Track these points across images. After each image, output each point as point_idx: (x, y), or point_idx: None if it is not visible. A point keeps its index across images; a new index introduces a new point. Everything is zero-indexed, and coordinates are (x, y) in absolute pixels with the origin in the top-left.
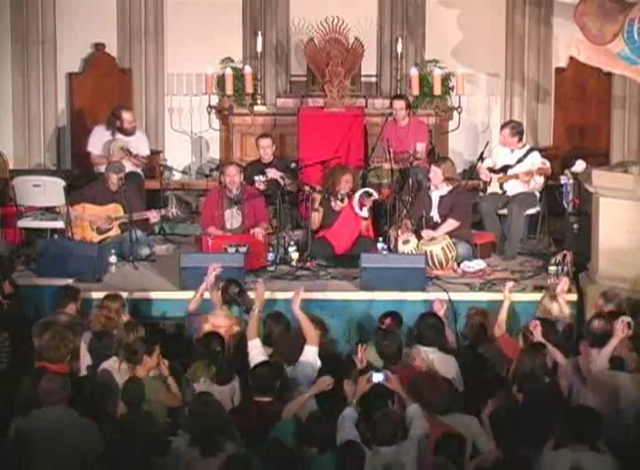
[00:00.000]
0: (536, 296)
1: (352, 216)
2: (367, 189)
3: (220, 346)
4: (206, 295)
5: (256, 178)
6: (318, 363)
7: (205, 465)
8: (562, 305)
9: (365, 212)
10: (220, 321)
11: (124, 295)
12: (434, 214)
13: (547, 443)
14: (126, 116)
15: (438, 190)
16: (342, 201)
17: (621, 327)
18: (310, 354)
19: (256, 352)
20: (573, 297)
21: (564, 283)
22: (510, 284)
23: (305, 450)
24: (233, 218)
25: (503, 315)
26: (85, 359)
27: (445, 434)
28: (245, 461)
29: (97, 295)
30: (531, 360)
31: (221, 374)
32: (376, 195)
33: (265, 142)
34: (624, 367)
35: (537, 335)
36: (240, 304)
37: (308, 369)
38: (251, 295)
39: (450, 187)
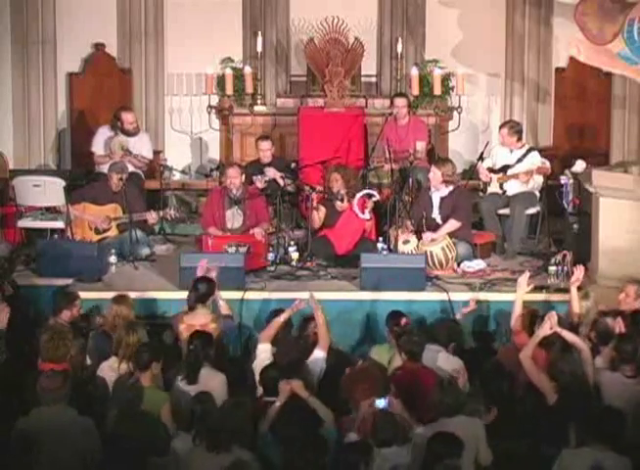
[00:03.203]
0: (536, 296)
1: (354, 218)
2: (368, 190)
3: (200, 344)
4: None
5: (255, 178)
6: (324, 368)
7: (207, 466)
8: (573, 299)
9: (367, 215)
10: (195, 320)
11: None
12: (436, 216)
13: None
14: (126, 116)
15: (439, 191)
16: (340, 201)
17: (618, 327)
18: (318, 359)
19: (264, 356)
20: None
21: (579, 271)
22: (526, 275)
23: None
24: (234, 218)
25: (518, 308)
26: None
27: (438, 434)
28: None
29: (97, 295)
30: (567, 361)
31: (189, 374)
32: (377, 196)
33: (265, 145)
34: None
35: (554, 324)
36: (203, 302)
37: (314, 373)
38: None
39: (451, 188)
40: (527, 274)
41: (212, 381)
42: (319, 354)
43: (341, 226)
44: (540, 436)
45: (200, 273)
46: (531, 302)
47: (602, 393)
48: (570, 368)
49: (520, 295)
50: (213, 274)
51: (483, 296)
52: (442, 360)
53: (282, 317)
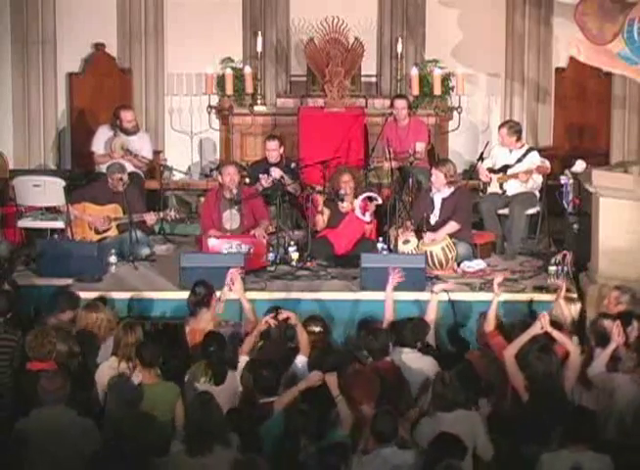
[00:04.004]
0: (536, 296)
1: (356, 220)
2: (370, 193)
3: (217, 346)
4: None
5: (261, 176)
6: (306, 374)
7: (197, 465)
8: (563, 307)
9: (367, 217)
10: (199, 324)
11: (123, 295)
12: (435, 217)
13: (545, 444)
14: (125, 115)
15: (440, 192)
16: (342, 201)
17: (617, 331)
18: (301, 365)
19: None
20: (573, 297)
21: (561, 284)
22: (499, 279)
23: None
24: (232, 219)
25: (492, 311)
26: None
27: (442, 434)
28: (252, 464)
29: (97, 295)
30: (541, 361)
31: (216, 375)
32: (380, 200)
33: (271, 145)
34: (619, 368)
35: (545, 324)
36: (206, 306)
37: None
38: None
39: (452, 189)
40: (500, 278)
41: (234, 380)
42: (301, 360)
43: (343, 227)
44: (519, 435)
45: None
46: (531, 302)
47: (616, 396)
48: (543, 369)
49: (495, 298)
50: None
51: (483, 296)
52: (414, 360)
53: (253, 335)
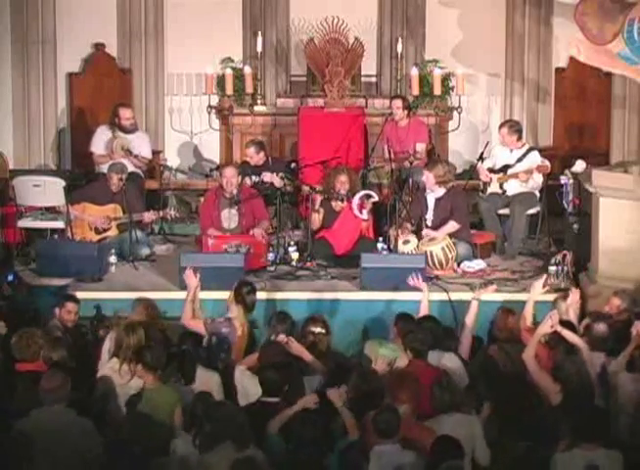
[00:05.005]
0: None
1: (352, 217)
2: (367, 191)
3: (193, 345)
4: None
5: (247, 180)
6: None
7: (212, 466)
8: (571, 313)
9: (365, 215)
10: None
11: (123, 295)
12: (429, 217)
13: (558, 445)
14: (123, 112)
15: (434, 192)
16: (341, 201)
17: (636, 331)
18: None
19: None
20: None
21: (574, 294)
22: (543, 278)
23: None
24: (230, 219)
25: (529, 308)
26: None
27: (442, 437)
28: (251, 462)
29: (97, 295)
30: (573, 363)
31: (185, 374)
32: (376, 197)
33: (249, 152)
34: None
35: (555, 323)
36: (247, 304)
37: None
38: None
39: (445, 189)
40: (544, 278)
41: (209, 381)
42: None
43: (338, 226)
44: (541, 437)
45: (190, 281)
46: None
47: (619, 393)
48: (575, 369)
49: (533, 297)
50: (197, 276)
51: (483, 296)
52: (436, 359)
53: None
